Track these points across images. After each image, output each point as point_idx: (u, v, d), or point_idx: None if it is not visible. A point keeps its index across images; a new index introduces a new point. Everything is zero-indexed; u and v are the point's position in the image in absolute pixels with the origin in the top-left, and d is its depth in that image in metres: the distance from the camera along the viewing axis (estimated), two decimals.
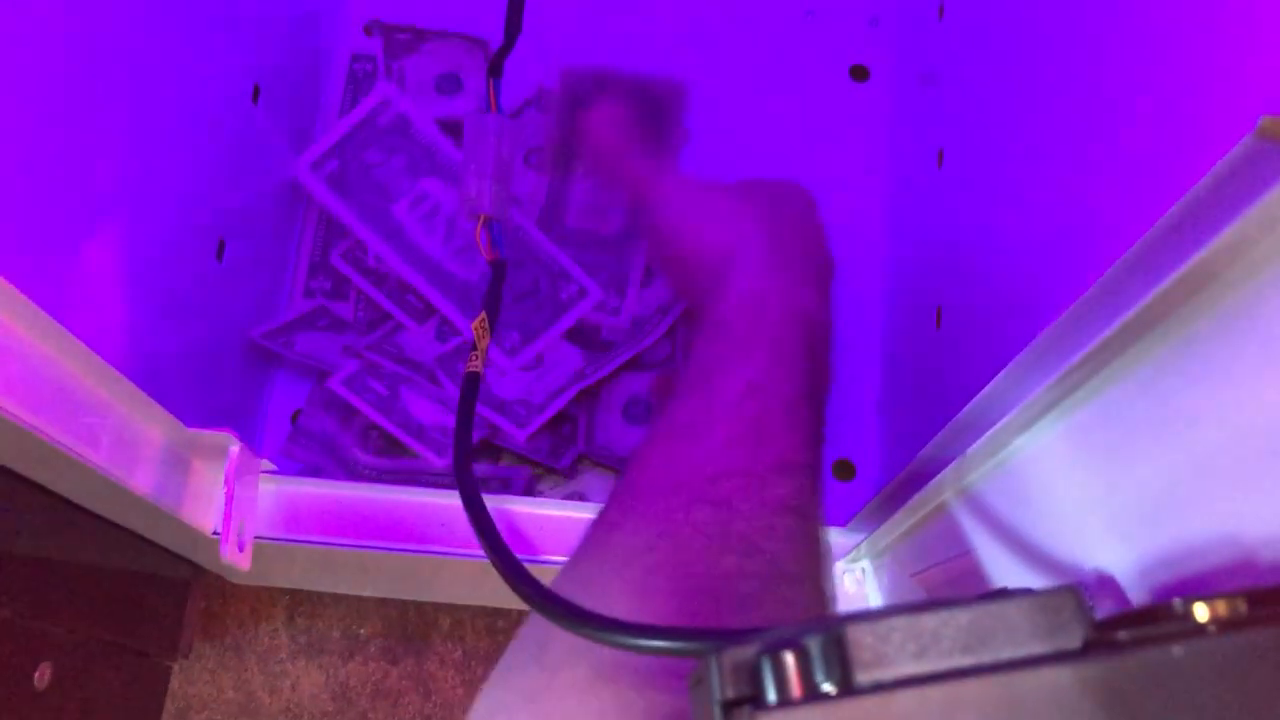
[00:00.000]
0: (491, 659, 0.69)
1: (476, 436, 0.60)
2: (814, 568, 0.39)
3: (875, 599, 0.52)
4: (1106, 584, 0.28)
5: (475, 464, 0.60)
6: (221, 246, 0.54)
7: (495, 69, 0.55)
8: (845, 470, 0.63)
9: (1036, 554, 0.34)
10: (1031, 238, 0.43)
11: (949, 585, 0.45)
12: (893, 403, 0.63)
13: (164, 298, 0.49)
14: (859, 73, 0.72)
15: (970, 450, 0.36)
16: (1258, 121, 0.17)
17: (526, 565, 0.36)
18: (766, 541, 0.37)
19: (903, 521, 0.45)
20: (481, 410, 0.59)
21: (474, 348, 0.49)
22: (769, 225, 0.48)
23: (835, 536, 0.53)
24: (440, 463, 0.59)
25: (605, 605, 0.32)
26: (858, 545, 0.51)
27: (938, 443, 0.39)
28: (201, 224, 0.52)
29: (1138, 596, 0.27)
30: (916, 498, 0.42)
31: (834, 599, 0.41)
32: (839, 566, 0.51)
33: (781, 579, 0.37)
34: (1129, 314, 0.25)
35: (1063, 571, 0.32)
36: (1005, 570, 0.38)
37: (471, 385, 0.48)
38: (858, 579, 0.51)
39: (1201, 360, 0.23)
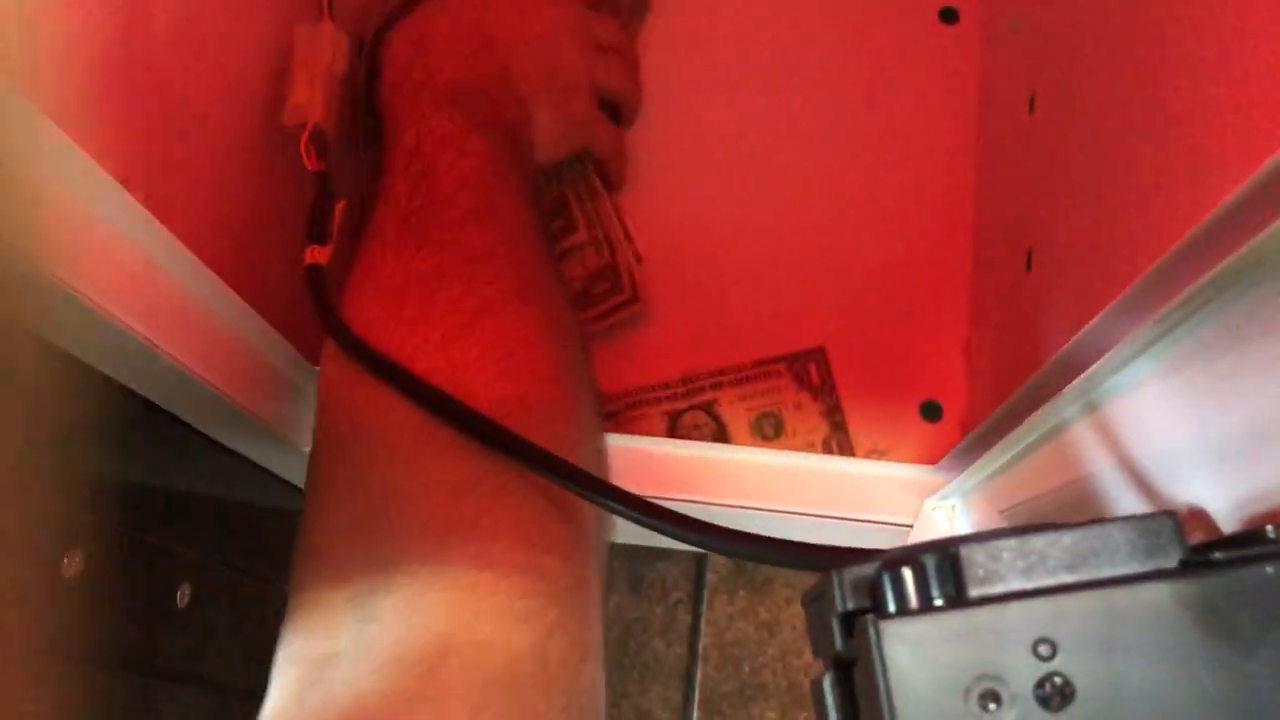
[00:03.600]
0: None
1: None
2: (518, 247, 0.50)
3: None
4: (1199, 517, 0.30)
5: None
6: None
7: None
8: (932, 411, 0.64)
9: (1128, 491, 0.35)
10: (1122, 184, 0.44)
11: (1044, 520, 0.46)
12: (981, 344, 0.64)
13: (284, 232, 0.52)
14: (949, 14, 0.72)
15: (1065, 391, 0.37)
16: None
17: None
18: (459, 235, 0.48)
19: (994, 460, 0.47)
20: None
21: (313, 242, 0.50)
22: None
23: (925, 475, 0.54)
24: None
25: None
26: (948, 484, 0.53)
27: (1032, 384, 0.41)
28: None
29: (1230, 528, 0.28)
30: (1008, 437, 0.43)
31: (561, 284, 0.53)
32: (929, 504, 0.53)
33: (475, 258, 0.47)
34: (1224, 263, 0.26)
35: (1158, 503, 0.33)
36: (1095, 508, 0.39)
37: (316, 278, 0.49)
38: (948, 515, 0.53)
39: None
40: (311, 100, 0.51)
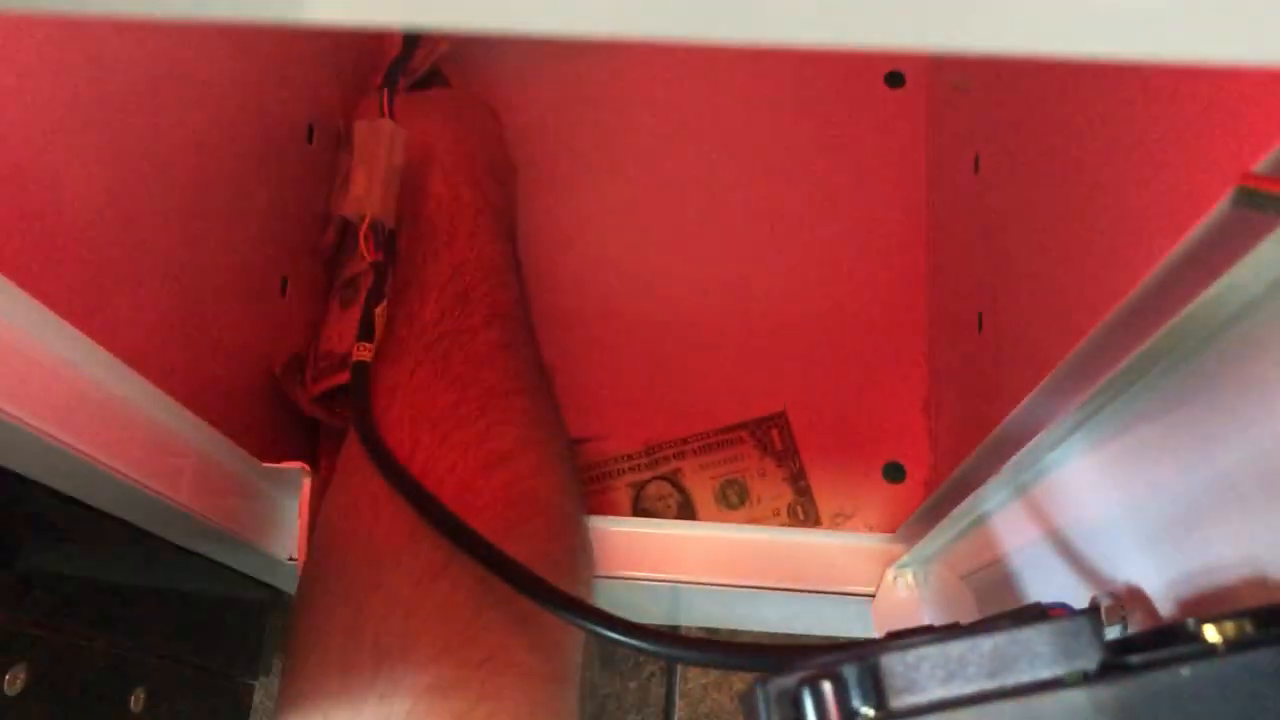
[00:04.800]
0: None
1: None
2: (528, 383, 0.51)
3: (926, 602, 0.53)
4: (1137, 596, 0.30)
5: None
6: (285, 283, 0.57)
7: (390, 78, 0.59)
8: (895, 472, 0.64)
9: (1075, 565, 0.35)
10: (1064, 247, 0.44)
11: (995, 588, 0.46)
12: (940, 405, 0.64)
13: (233, 336, 0.52)
14: (895, 79, 0.73)
15: (1008, 464, 0.37)
16: (1238, 184, 0.19)
17: None
18: (480, 372, 0.48)
19: (950, 527, 0.47)
20: None
21: (362, 340, 0.50)
22: (454, 131, 0.58)
23: (885, 544, 0.54)
24: None
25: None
26: (908, 552, 0.52)
27: (978, 455, 0.41)
28: (265, 263, 0.55)
29: (1165, 608, 0.28)
30: (959, 508, 0.43)
31: (555, 407, 0.54)
32: (890, 573, 0.53)
33: (494, 395, 0.48)
34: (1146, 343, 0.26)
35: (1099, 582, 0.33)
36: (1047, 577, 0.39)
37: (360, 375, 0.49)
38: (909, 584, 0.52)
39: (1210, 390, 0.25)
40: (370, 193, 0.52)
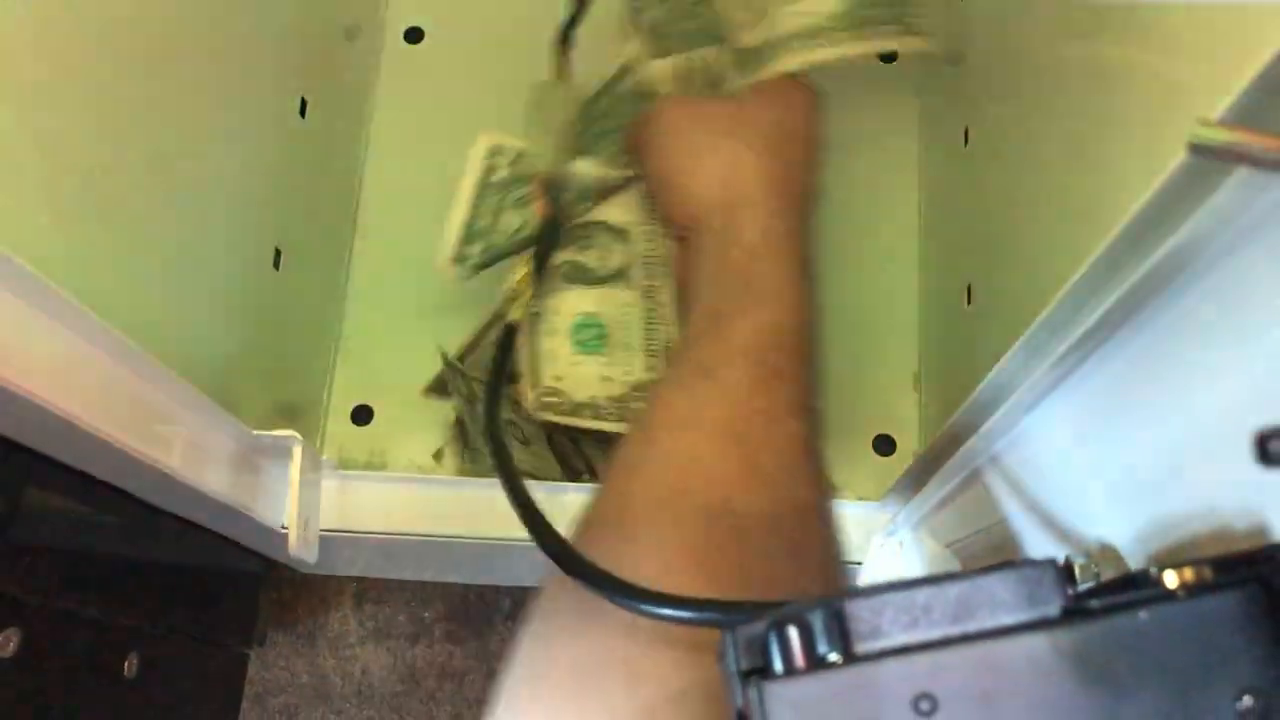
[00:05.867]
0: None
1: None
2: (826, 503, 0.41)
3: (913, 569, 0.53)
4: (1109, 553, 0.30)
5: None
6: (278, 255, 0.57)
7: (565, 39, 0.58)
8: (885, 445, 0.65)
9: (1053, 525, 0.36)
10: (1045, 217, 0.45)
11: (981, 556, 0.46)
12: (929, 378, 0.64)
13: (226, 307, 0.52)
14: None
15: (987, 426, 0.37)
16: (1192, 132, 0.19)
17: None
18: (789, 479, 0.39)
19: (933, 494, 0.47)
20: None
21: (516, 297, 0.53)
22: (770, 157, 0.50)
23: (872, 511, 0.54)
24: None
25: (633, 546, 0.36)
26: (894, 517, 0.53)
27: (960, 419, 0.41)
28: (259, 235, 0.55)
29: (1136, 563, 0.29)
30: (942, 470, 0.43)
31: (840, 544, 0.42)
32: (876, 540, 0.53)
33: (801, 511, 0.39)
34: (1113, 296, 0.26)
35: (1075, 541, 0.33)
36: (1031, 540, 0.39)
37: (509, 335, 0.51)
38: (895, 552, 0.53)
39: (1176, 345, 0.25)
40: (542, 150, 0.54)
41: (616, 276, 0.56)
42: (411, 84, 0.71)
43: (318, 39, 0.63)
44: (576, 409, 0.55)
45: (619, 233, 0.57)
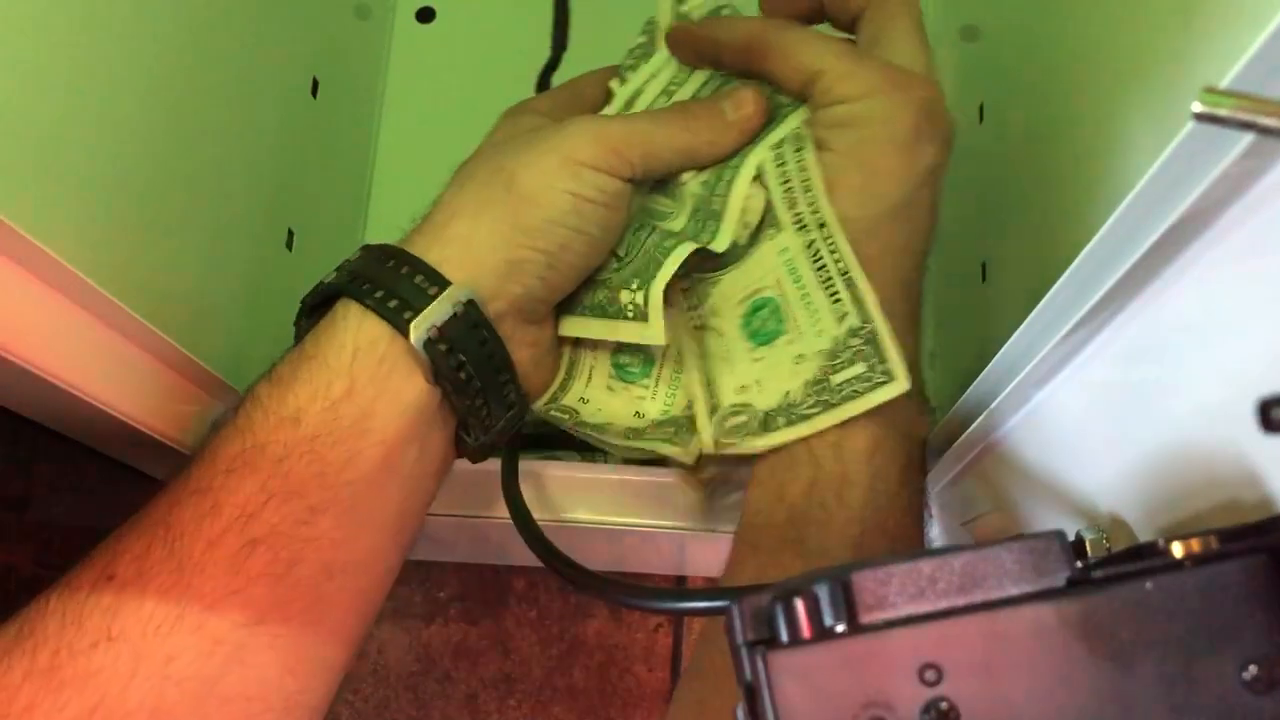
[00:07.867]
0: (564, 618, 0.73)
1: None
2: None
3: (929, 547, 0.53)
4: (1120, 527, 0.30)
5: None
6: (290, 235, 0.57)
7: (544, 84, 0.57)
8: None
9: (1066, 500, 0.36)
10: (1060, 193, 0.44)
11: (995, 533, 0.46)
12: (946, 355, 0.64)
13: (240, 288, 0.52)
14: None
15: (999, 403, 0.37)
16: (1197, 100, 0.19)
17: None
18: None
19: (946, 470, 0.47)
20: None
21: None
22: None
23: None
24: None
25: None
26: None
27: (971, 395, 0.41)
28: (271, 215, 0.55)
29: (1147, 537, 0.29)
30: (956, 447, 0.43)
31: None
32: None
33: None
34: (1124, 267, 0.26)
35: (1088, 516, 0.33)
36: (1044, 516, 0.39)
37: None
38: None
39: (1184, 316, 0.25)
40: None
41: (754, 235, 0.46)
42: (423, 64, 0.71)
43: (329, 18, 0.63)
44: (768, 421, 0.43)
45: (681, 186, 0.48)
